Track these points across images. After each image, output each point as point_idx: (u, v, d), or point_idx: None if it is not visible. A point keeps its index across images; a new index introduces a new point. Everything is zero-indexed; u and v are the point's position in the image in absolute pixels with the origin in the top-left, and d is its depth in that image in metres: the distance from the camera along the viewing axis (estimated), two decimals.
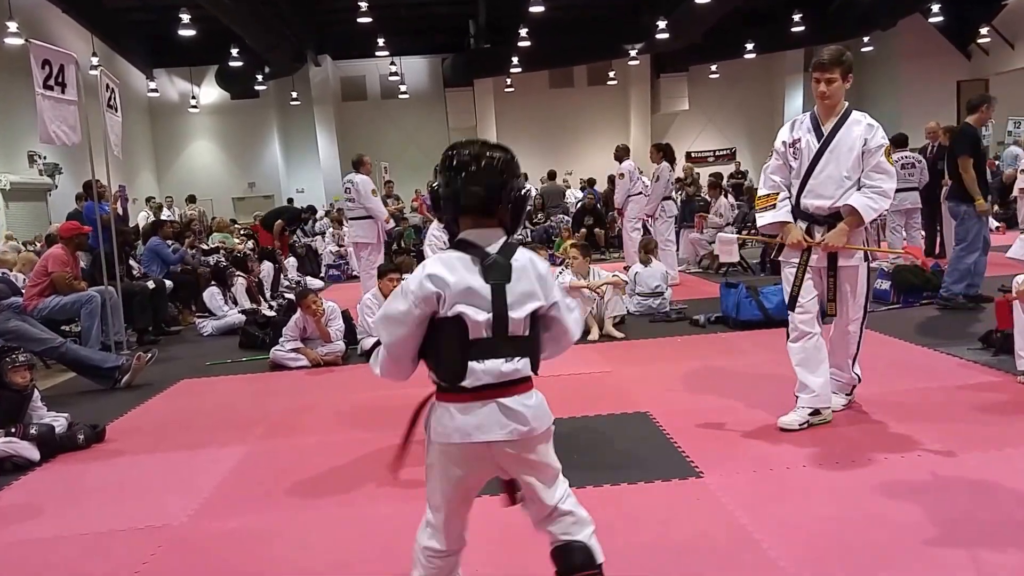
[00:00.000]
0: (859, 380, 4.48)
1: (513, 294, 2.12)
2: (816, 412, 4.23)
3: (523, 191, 2.23)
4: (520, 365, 2.15)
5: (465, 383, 2.10)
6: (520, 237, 2.38)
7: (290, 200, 22.70)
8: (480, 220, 2.16)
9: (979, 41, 24.25)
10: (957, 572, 2.68)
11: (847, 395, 4.49)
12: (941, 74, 24.45)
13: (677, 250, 11.43)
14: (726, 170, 22.15)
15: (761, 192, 4.41)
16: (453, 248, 2.17)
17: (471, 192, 2.13)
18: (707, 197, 13.23)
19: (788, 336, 4.32)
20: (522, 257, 2.18)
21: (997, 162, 16.57)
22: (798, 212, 4.25)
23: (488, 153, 2.16)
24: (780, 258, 4.43)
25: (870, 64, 26.33)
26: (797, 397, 4.26)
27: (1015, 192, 14.05)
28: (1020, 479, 3.38)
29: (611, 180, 10.90)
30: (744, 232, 11.80)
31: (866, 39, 24.95)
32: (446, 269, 2.10)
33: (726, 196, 12.97)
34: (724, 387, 5.13)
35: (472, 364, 2.10)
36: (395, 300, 2.16)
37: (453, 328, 2.09)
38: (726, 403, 4.78)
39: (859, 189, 4.10)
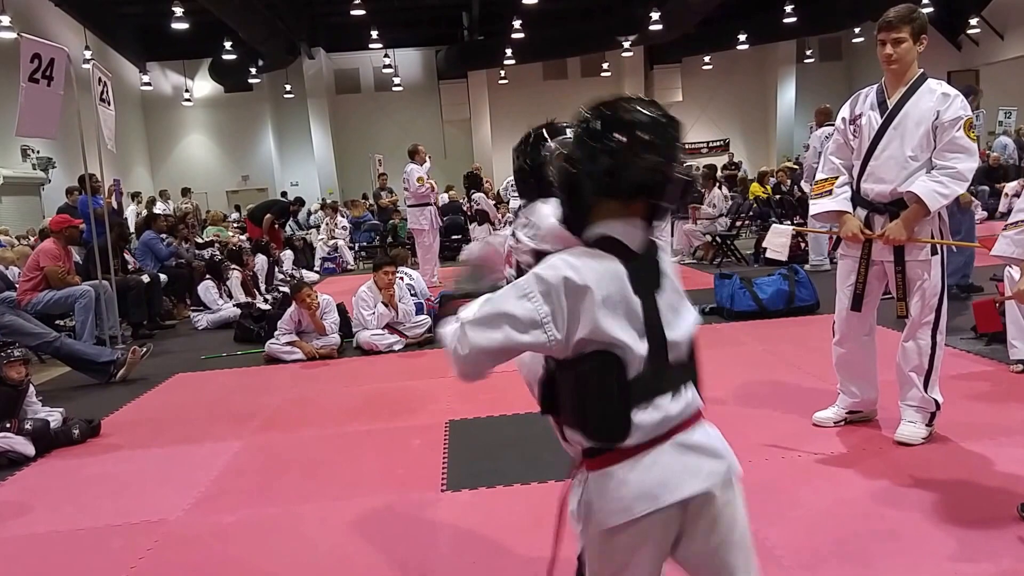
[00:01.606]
0: (938, 406, 3.74)
1: (668, 307, 1.59)
2: (854, 411, 4.05)
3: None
4: (691, 396, 1.61)
5: (630, 441, 1.54)
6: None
7: (283, 193, 22.66)
8: (631, 207, 1.57)
9: (969, 32, 24.27)
10: (954, 563, 2.70)
11: (927, 424, 3.74)
12: (931, 65, 23.94)
13: (671, 241, 11.44)
14: (719, 161, 22.17)
15: (819, 176, 3.89)
16: (591, 246, 1.58)
17: (646, 167, 1.53)
18: (701, 188, 13.23)
19: (833, 335, 3.98)
20: (664, 256, 1.66)
21: (988, 151, 16.69)
22: (857, 199, 3.70)
23: (664, 115, 1.61)
24: (838, 251, 3.94)
25: (862, 55, 26.36)
26: (839, 394, 4.07)
27: (1010, 187, 14.11)
28: (1014, 468, 3.40)
29: None
30: (739, 223, 11.81)
31: (857, 30, 24.98)
32: (587, 272, 1.52)
33: (720, 187, 12.98)
34: (719, 379, 5.12)
35: (636, 413, 1.53)
36: (508, 302, 1.56)
37: (602, 366, 1.52)
38: (721, 395, 4.78)
39: (929, 171, 3.49)
